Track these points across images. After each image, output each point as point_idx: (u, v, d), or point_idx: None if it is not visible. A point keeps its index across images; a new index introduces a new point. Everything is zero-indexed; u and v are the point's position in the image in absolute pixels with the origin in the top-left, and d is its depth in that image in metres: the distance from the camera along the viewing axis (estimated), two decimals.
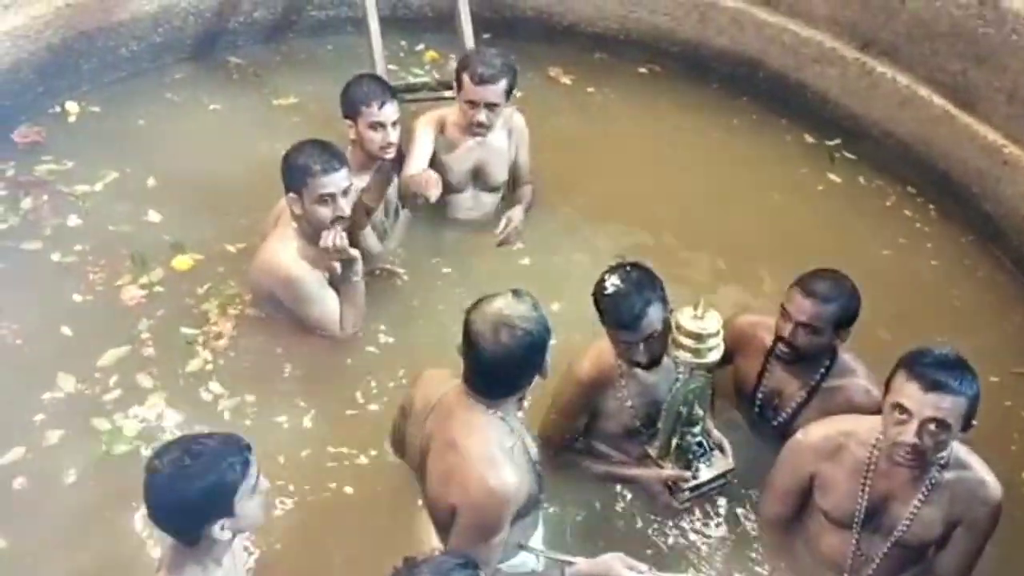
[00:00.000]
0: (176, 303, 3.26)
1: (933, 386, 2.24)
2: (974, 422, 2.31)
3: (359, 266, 3.10)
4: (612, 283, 2.55)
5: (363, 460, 2.87)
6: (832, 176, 4.23)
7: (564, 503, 2.80)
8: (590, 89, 4.72)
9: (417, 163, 3.49)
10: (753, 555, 2.74)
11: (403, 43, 4.78)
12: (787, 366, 2.82)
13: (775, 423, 2.90)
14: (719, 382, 2.96)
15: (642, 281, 2.55)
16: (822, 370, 2.79)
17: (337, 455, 2.90)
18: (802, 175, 4.22)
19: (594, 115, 4.56)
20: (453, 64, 4.59)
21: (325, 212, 2.98)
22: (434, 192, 3.25)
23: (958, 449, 2.41)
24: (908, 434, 2.26)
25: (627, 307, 2.50)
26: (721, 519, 2.82)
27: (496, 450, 2.24)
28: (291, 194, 3.00)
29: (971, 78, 3.83)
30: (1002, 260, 3.84)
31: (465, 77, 3.41)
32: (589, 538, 2.73)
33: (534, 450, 2.46)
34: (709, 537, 2.78)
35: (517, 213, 3.72)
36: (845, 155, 4.34)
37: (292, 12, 4.73)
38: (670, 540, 2.77)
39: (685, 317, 2.45)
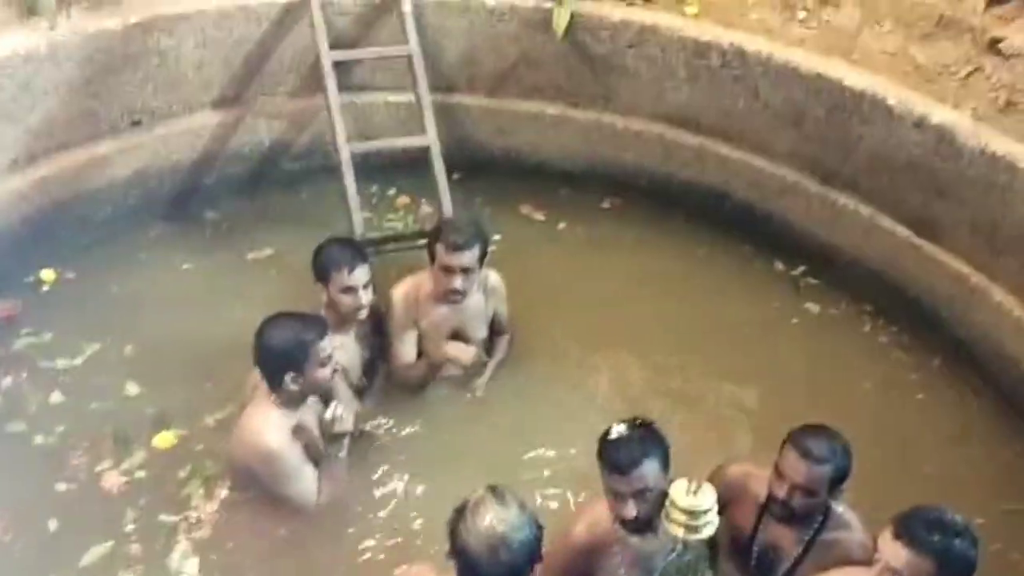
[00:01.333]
0: (158, 488, 3.22)
1: (913, 543, 2.34)
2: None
3: (347, 441, 3.09)
4: (617, 430, 2.62)
5: None
6: (808, 305, 4.30)
7: None
8: (561, 225, 4.81)
9: (406, 349, 3.61)
10: None
11: (375, 188, 4.84)
12: (781, 522, 2.83)
13: None
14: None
15: (646, 436, 2.63)
16: (816, 524, 2.80)
17: None
18: (775, 307, 4.29)
19: (567, 251, 4.64)
20: (425, 208, 4.72)
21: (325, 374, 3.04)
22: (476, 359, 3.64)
23: None
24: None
25: (625, 452, 2.56)
26: None
27: None
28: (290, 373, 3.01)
29: (933, 210, 3.95)
30: (979, 387, 3.88)
31: (439, 247, 3.48)
32: None
33: None
34: None
35: (481, 383, 3.75)
36: (813, 283, 4.41)
37: (266, 164, 4.80)
38: None
39: (679, 493, 2.47)
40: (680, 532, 2.47)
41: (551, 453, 3.47)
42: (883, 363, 4.02)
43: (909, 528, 2.35)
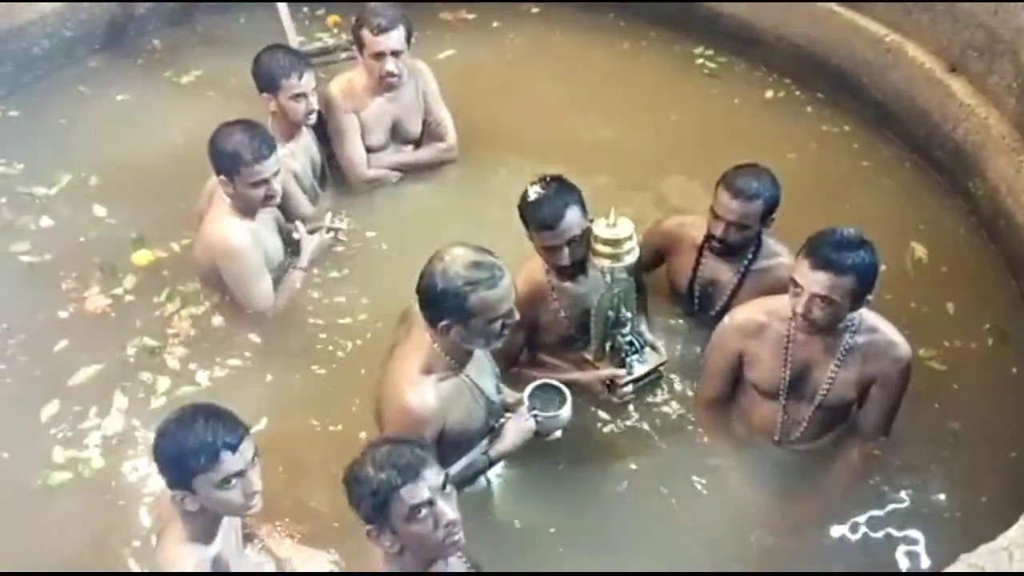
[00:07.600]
0: (142, 308, 3.35)
1: (820, 265, 2.49)
2: (869, 298, 2.56)
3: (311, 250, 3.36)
4: (534, 190, 2.80)
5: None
6: (735, 85, 4.43)
7: None
8: (496, 23, 4.90)
9: (356, 147, 3.72)
10: (693, 435, 2.98)
11: (305, 10, 4.88)
12: (718, 257, 3.05)
13: (713, 312, 3.12)
14: (657, 283, 3.22)
15: (560, 188, 2.80)
16: (750, 256, 3.02)
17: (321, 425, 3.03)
18: (713, 93, 4.40)
19: (505, 52, 4.74)
20: None
21: (258, 194, 3.10)
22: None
23: (867, 315, 2.66)
24: (799, 306, 2.54)
25: (548, 209, 2.74)
26: (663, 407, 3.05)
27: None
28: (222, 177, 3.09)
29: None
30: (900, 146, 4.05)
31: (364, 33, 3.55)
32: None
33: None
34: (653, 424, 3.01)
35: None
36: (737, 64, 4.54)
37: None
38: (618, 431, 2.99)
39: (600, 227, 2.68)
40: (606, 263, 2.69)
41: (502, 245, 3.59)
42: (808, 131, 4.18)
43: (822, 254, 2.49)
